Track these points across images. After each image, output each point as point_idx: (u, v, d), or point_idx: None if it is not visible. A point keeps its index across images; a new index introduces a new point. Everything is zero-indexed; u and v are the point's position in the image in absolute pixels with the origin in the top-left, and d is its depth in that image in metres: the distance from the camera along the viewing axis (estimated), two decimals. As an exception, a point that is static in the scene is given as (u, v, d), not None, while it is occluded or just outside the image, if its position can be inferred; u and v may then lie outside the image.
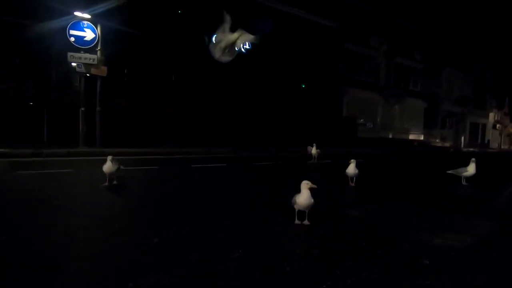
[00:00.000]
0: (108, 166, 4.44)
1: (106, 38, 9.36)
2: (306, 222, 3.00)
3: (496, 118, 37.96)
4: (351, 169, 5.14)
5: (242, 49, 15.30)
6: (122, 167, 4.68)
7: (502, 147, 38.89)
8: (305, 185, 2.93)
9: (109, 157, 4.48)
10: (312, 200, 2.90)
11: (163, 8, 13.18)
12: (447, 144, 26.68)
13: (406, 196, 4.90)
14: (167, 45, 13.26)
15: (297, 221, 3.03)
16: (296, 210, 3.05)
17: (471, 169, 5.70)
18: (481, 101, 34.00)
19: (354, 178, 5.24)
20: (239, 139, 12.82)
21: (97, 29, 8.92)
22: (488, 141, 35.61)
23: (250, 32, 15.23)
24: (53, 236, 2.57)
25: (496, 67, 36.06)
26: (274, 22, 16.37)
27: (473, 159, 5.75)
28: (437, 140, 26.93)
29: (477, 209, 4.24)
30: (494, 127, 37.67)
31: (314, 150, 8.81)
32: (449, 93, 29.31)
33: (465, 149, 25.09)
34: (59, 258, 2.17)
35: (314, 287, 1.87)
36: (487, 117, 36.12)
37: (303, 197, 2.91)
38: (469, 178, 5.80)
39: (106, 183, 4.54)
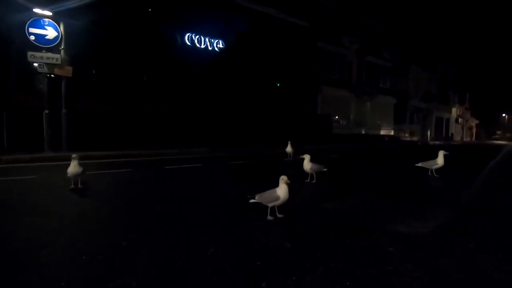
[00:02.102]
0: (73, 166, 4.27)
1: (70, 37, 8.90)
2: (270, 217, 3.05)
3: (458, 112, 40.60)
4: (305, 165, 4.98)
5: (216, 48, 15.21)
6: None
7: (464, 139, 41.70)
8: (283, 180, 3.01)
9: (74, 156, 4.32)
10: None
11: (133, 5, 12.76)
12: (415, 138, 28.13)
13: (378, 188, 5.10)
14: (138, 44, 12.85)
15: (269, 217, 3.07)
16: (269, 207, 3.07)
17: (439, 161, 5.90)
18: (445, 97, 36.18)
19: (315, 175, 5.08)
20: (215, 138, 12.74)
21: (60, 27, 8.45)
22: (452, 134, 38.00)
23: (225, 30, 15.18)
24: (14, 244, 2.43)
25: (458, 65, 38.56)
26: (247, 21, 16.38)
27: (442, 151, 5.92)
28: (406, 135, 28.31)
29: (443, 199, 4.50)
30: (456, 121, 40.27)
31: (289, 148, 8.93)
32: (416, 90, 30.91)
33: (431, 143, 26.57)
34: (21, 265, 2.05)
35: (284, 279, 1.90)
36: (451, 112, 38.51)
37: (285, 191, 2.98)
38: (437, 170, 6.05)
39: (72, 186, 4.38)
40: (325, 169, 5.23)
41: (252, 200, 3.15)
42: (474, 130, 49.14)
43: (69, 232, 2.73)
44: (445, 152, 5.95)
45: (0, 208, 3.51)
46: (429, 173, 6.08)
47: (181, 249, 2.36)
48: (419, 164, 6.11)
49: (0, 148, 8.72)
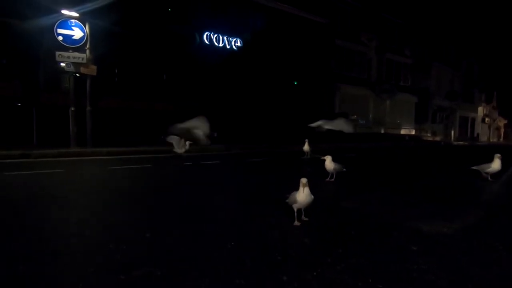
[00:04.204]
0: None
1: (95, 37, 9.25)
2: (304, 218, 2.92)
3: (485, 112, 38.72)
4: (327, 164, 5.00)
5: (234, 46, 15.28)
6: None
7: (491, 140, 39.76)
8: (301, 183, 2.77)
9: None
10: (312, 197, 2.80)
11: (153, 6, 13.07)
12: (437, 138, 27.12)
13: (397, 188, 4.99)
14: (158, 44, 13.16)
15: (296, 223, 2.84)
16: (295, 210, 2.86)
17: (495, 165, 5.42)
18: (469, 96, 34.61)
19: (334, 174, 5.10)
20: (232, 136, 12.83)
21: (85, 27, 8.80)
22: (478, 134, 36.30)
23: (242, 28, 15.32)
24: (43, 232, 2.56)
25: (484, 61, 36.69)
26: (265, 19, 16.36)
27: (498, 154, 5.41)
28: (428, 134, 27.35)
29: (469, 198, 4.34)
30: (483, 121, 38.43)
31: (306, 146, 8.88)
32: (439, 88, 29.77)
33: (455, 143, 25.55)
34: (51, 253, 2.17)
35: (305, 274, 1.91)
36: (476, 111, 36.80)
37: (304, 195, 2.76)
38: (494, 175, 5.51)
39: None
40: (345, 169, 5.19)
41: (287, 200, 2.97)
42: (502, 131, 46.72)
43: (95, 223, 2.85)
44: (500, 156, 5.37)
45: (30, 199, 3.71)
46: (489, 179, 5.52)
47: (203, 242, 2.41)
48: (474, 168, 5.65)
49: (29, 143, 9.20)
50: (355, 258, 2.14)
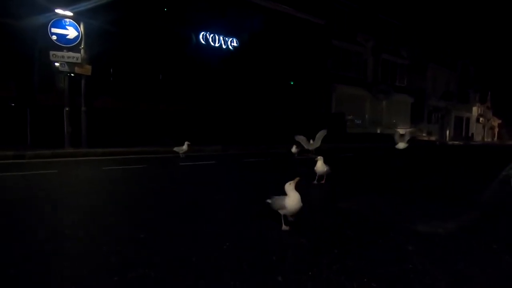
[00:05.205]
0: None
1: (90, 37, 9.16)
2: (285, 227, 2.65)
3: (479, 112, 39.09)
4: (319, 166, 4.81)
5: (230, 47, 15.25)
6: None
7: (486, 140, 40.14)
8: (290, 187, 2.55)
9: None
10: (301, 204, 2.57)
11: (148, 5, 13.00)
12: (433, 138, 27.31)
13: (393, 188, 4.99)
14: (154, 44, 13.08)
15: (284, 227, 2.68)
16: (282, 215, 2.68)
17: None
18: (464, 96, 34.90)
19: (325, 176, 4.92)
20: (227, 136, 12.80)
21: (80, 27, 8.72)
22: (472, 134, 36.62)
23: (239, 29, 15.37)
24: (38, 235, 2.52)
25: (479, 62, 37.06)
26: (261, 19, 16.36)
27: None
28: (423, 134, 27.53)
29: (466, 199, 4.35)
30: (477, 120, 38.78)
31: (295, 148, 8.94)
32: (434, 89, 29.99)
33: (450, 143, 25.75)
34: (44, 255, 2.13)
35: (300, 275, 1.89)
36: (471, 111, 37.12)
37: (293, 201, 2.54)
38: None
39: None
40: (329, 171, 4.94)
41: (268, 201, 2.85)
42: (496, 130, 47.21)
43: (89, 224, 2.81)
44: None
45: (24, 200, 3.66)
46: None
47: (197, 243, 2.39)
48: (505, 173, 5.47)
49: (23, 144, 9.09)
50: (352, 258, 2.13)
